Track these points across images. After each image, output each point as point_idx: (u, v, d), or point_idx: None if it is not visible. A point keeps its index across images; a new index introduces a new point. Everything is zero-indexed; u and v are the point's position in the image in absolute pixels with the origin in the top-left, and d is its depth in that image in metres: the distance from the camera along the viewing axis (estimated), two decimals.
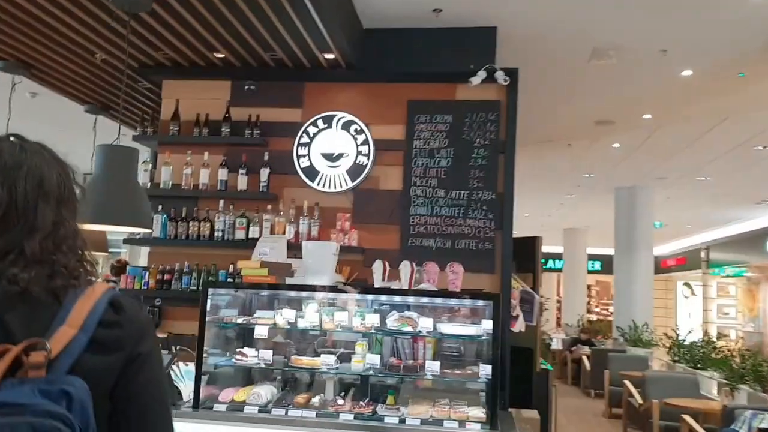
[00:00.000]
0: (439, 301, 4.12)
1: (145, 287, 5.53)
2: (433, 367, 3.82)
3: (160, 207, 5.62)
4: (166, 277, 5.49)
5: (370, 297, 4.10)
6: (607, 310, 27.13)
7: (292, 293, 4.17)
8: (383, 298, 4.11)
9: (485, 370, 3.75)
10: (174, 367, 3.87)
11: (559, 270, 23.45)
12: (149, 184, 5.67)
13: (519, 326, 5.51)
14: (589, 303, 24.32)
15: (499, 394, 3.84)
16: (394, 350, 4.19)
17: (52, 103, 7.99)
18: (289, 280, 4.02)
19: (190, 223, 5.55)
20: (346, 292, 3.79)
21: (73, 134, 6.94)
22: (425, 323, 3.86)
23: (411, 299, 4.14)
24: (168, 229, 5.56)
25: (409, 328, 3.87)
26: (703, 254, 21.37)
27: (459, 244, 5.46)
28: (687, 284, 23.90)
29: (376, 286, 3.99)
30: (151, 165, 5.74)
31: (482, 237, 5.44)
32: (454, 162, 5.55)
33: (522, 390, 5.85)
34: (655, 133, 9.09)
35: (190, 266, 5.46)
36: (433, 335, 3.94)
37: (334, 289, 3.92)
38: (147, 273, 5.54)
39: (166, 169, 5.61)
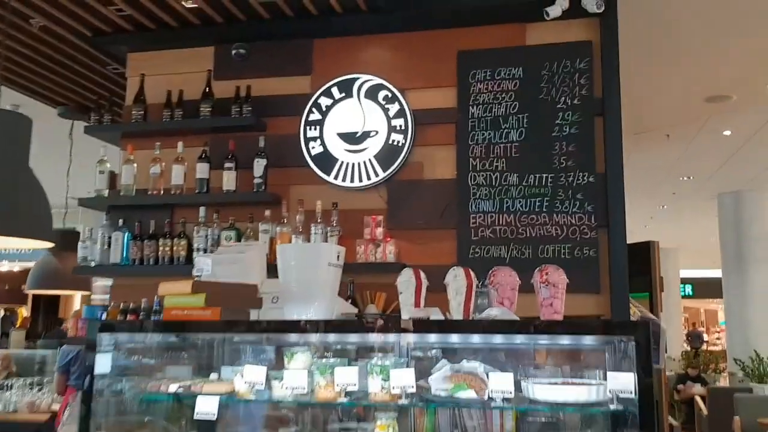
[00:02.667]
0: (520, 339, 2.35)
1: None
2: None
3: (120, 222, 4.06)
4: (131, 318, 3.89)
5: (393, 338, 2.36)
6: None
7: (270, 337, 2.48)
8: (432, 338, 2.38)
9: None
10: None
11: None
12: (107, 192, 4.13)
13: None
14: (698, 331, 21.87)
15: None
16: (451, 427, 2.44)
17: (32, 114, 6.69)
18: (257, 315, 2.34)
19: (161, 242, 3.96)
20: (341, 329, 2.06)
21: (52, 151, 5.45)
22: (500, 382, 2.09)
23: (476, 340, 2.40)
24: (131, 251, 3.98)
25: (470, 393, 2.12)
26: None
27: (545, 251, 3.69)
28: None
29: (405, 316, 2.24)
30: (109, 166, 4.20)
31: (579, 240, 3.66)
32: (529, 133, 3.81)
33: None
34: None
35: (161, 302, 3.84)
36: (517, 405, 2.17)
37: (315, 325, 2.19)
38: (105, 314, 3.96)
39: (127, 169, 4.06)
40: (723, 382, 11.70)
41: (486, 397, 2.09)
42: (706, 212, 12.53)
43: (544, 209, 3.72)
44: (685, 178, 10.58)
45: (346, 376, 2.16)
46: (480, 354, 2.37)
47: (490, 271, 2.17)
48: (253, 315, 2.37)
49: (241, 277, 2.39)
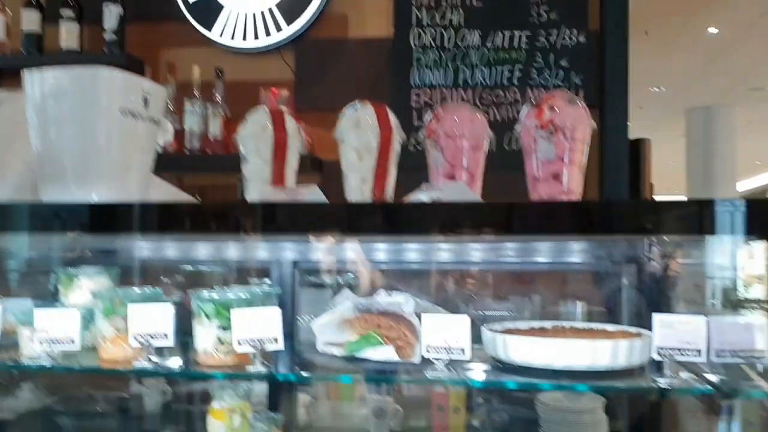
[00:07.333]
0: (487, 251, 1.33)
1: None
2: None
3: None
4: None
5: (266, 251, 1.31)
6: None
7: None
8: (320, 254, 1.34)
9: None
10: None
11: None
12: None
13: None
14: None
15: None
16: None
17: None
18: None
19: None
20: None
21: None
22: (442, 331, 1.05)
23: (409, 251, 1.39)
24: None
25: (385, 351, 1.09)
26: None
27: (516, 141, 2.65)
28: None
29: (252, 194, 1.14)
30: None
31: None
32: None
33: None
34: None
35: None
36: (475, 378, 1.13)
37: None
38: None
39: None
40: None
41: (415, 358, 1.07)
42: (672, 131, 11.77)
43: (516, 82, 2.66)
44: (655, 89, 9.65)
45: (149, 321, 1.11)
46: (413, 282, 1.36)
47: (432, 113, 1.12)
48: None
49: None
